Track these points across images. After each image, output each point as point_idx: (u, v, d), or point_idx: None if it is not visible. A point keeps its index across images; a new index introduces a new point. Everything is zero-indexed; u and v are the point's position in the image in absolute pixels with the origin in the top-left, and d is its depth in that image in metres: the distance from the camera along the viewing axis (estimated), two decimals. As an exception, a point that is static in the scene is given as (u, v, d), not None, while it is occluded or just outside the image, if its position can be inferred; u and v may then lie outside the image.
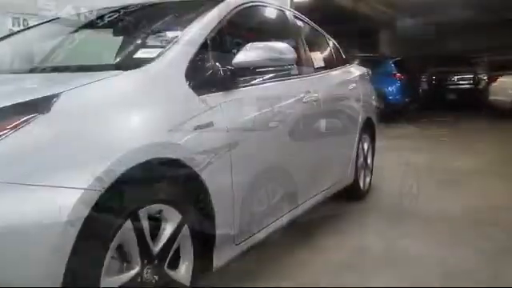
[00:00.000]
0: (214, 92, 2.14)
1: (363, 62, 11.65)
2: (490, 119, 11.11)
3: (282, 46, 2.31)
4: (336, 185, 3.67)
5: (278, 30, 3.16)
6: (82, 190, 1.41)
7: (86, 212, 1.42)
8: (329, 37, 4.14)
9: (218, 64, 2.21)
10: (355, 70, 4.38)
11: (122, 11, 2.78)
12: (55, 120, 1.49)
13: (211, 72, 2.16)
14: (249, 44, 2.26)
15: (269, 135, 2.48)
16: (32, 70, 2.32)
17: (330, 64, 3.82)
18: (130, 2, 2.92)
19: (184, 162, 1.85)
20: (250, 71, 2.33)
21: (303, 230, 3.44)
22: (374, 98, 4.78)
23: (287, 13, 3.29)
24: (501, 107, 11.43)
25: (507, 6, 13.67)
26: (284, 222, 2.78)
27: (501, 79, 11.80)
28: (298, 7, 10.16)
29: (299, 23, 3.40)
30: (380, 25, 15.11)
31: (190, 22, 2.30)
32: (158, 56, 1.99)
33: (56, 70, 2.26)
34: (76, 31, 2.84)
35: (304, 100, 2.94)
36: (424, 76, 14.37)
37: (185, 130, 1.88)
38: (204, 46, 2.19)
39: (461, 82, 14.40)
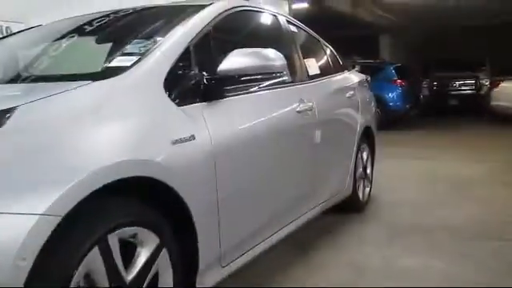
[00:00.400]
0: (196, 102, 1.98)
1: (363, 68, 11.64)
2: (493, 125, 10.94)
3: (270, 53, 2.14)
4: (334, 197, 3.50)
5: (269, 35, 3.00)
6: (37, 217, 1.24)
7: (40, 242, 1.24)
8: (325, 43, 3.99)
9: (201, 72, 2.05)
10: (353, 77, 4.22)
11: (106, 17, 2.62)
12: (8, 137, 1.33)
13: (194, 81, 2.00)
14: (235, 50, 2.10)
15: (258, 148, 2.31)
16: (7, 80, 2.15)
17: (326, 71, 3.66)
18: (120, 7, 2.78)
19: (160, 179, 1.68)
20: (237, 80, 2.16)
21: (298, 244, 3.27)
22: (373, 105, 4.62)
23: (280, 18, 3.13)
24: (503, 113, 11.27)
25: (508, 9, 13.53)
26: (276, 240, 2.61)
27: (503, 84, 11.64)
28: (296, 14, 10.04)
29: (293, 29, 3.24)
30: (380, 30, 14.97)
31: (172, 27, 2.14)
32: (133, 64, 1.83)
33: (27, 80, 2.10)
34: (58, 39, 2.68)
35: (298, 109, 2.78)
36: (425, 82, 14.19)
37: (161, 145, 1.71)
38: (186, 53, 2.03)
39: (462, 88, 14.27)
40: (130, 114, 1.68)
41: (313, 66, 3.32)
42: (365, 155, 4.25)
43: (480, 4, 13.04)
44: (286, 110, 2.67)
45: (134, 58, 1.87)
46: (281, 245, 2.77)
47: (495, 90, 11.89)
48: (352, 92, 3.89)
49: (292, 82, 2.89)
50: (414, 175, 5.83)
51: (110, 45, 2.27)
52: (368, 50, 14.15)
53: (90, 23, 2.50)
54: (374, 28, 14.55)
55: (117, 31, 2.47)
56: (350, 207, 4.03)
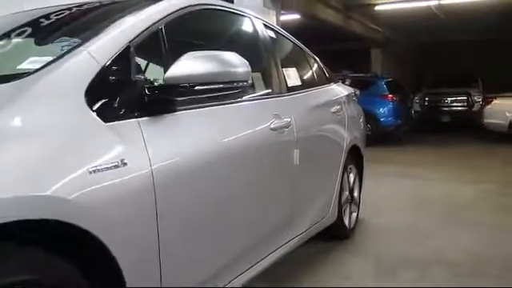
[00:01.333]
0: (133, 117, 1.55)
1: (354, 82, 11.37)
2: (486, 143, 10.58)
3: (231, 57, 1.72)
4: (316, 226, 3.07)
5: (239, 40, 2.60)
6: None
7: None
8: (309, 52, 3.58)
9: (142, 80, 1.63)
10: (340, 90, 3.82)
11: (55, 13, 2.19)
12: None
13: (131, 90, 1.58)
14: (187, 54, 1.68)
15: (217, 173, 1.88)
16: None
17: (308, 83, 3.27)
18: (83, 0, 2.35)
19: (71, 222, 1.25)
20: (191, 90, 1.73)
21: (272, 279, 2.83)
22: (362, 121, 4.22)
23: (256, 22, 2.72)
24: (496, 131, 10.94)
25: (500, 25, 13.30)
26: (243, 282, 2.17)
27: (496, 101, 11.32)
28: (286, 26, 9.69)
29: (270, 34, 2.84)
30: (372, 43, 14.68)
31: (109, 24, 1.72)
32: (43, 67, 1.40)
33: None
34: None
35: (272, 126, 2.36)
36: (417, 97, 13.86)
37: (73, 175, 1.28)
38: (124, 55, 1.60)
39: (454, 104, 13.93)
40: (31, 132, 1.25)
41: (293, 76, 2.91)
42: (352, 177, 3.83)
43: (471, 19, 12.78)
44: (256, 127, 2.25)
45: (48, 59, 1.44)
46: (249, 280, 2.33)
47: (488, 107, 11.56)
48: (338, 107, 3.48)
49: (266, 95, 2.48)
50: (404, 196, 5.42)
51: (35, 43, 1.84)
52: (359, 64, 13.83)
53: (37, 18, 2.07)
54: (366, 41, 14.24)
55: (53, 28, 2.04)
56: (334, 234, 3.61)
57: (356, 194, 3.95)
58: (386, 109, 10.91)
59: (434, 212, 4.68)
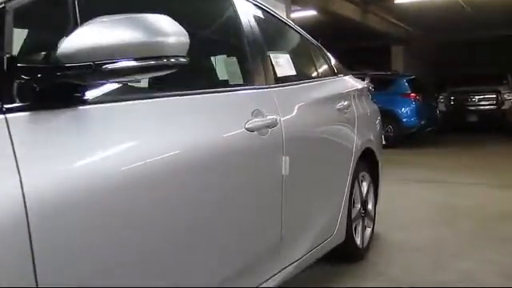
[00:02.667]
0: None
1: (373, 81, 10.71)
2: (519, 144, 9.81)
3: (159, 22, 1.14)
4: (316, 250, 2.48)
5: (196, 12, 2.01)
6: None
7: None
8: (311, 39, 3.00)
9: (24, 58, 1.08)
10: (349, 83, 3.22)
11: None
12: None
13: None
14: (93, 20, 1.12)
15: (151, 196, 1.32)
16: None
17: (306, 73, 2.70)
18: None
19: None
20: (106, 72, 1.15)
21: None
22: (377, 121, 3.61)
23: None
24: (530, 130, 10.17)
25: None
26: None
27: (528, 99, 10.55)
28: (299, 23, 9.10)
29: (254, 12, 2.25)
30: (392, 40, 13.96)
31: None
32: None
33: None
34: None
35: (248, 125, 1.79)
36: (441, 96, 13.10)
37: None
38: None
39: (482, 103, 13.15)
40: None
41: (285, 65, 2.33)
42: (365, 186, 3.23)
43: (500, 13, 11.97)
44: (222, 127, 1.68)
45: None
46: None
47: (520, 105, 10.81)
48: (345, 102, 2.88)
49: (241, 86, 1.91)
50: (428, 205, 4.78)
51: None
52: (379, 62, 13.16)
53: None
54: (387, 38, 13.54)
55: None
56: (343, 256, 3.02)
57: (370, 206, 3.34)
58: (408, 108, 10.30)
59: (464, 225, 4.03)
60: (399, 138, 9.94)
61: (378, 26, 12.29)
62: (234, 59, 2.00)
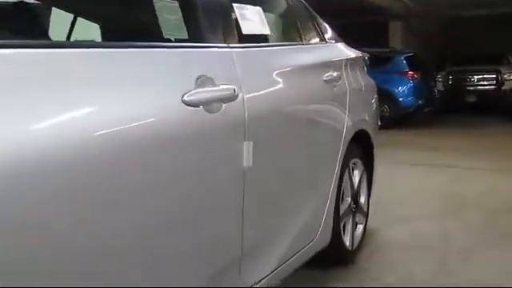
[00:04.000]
0: None
1: (370, 58, 10.16)
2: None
3: None
4: (294, 259, 1.95)
5: None
6: None
7: None
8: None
9: None
10: (341, 52, 2.67)
11: None
12: None
13: None
14: None
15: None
16: None
17: (285, 35, 2.13)
18: None
19: None
20: None
21: None
22: (374, 98, 3.07)
23: None
24: (532, 111, 9.66)
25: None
26: None
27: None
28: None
29: None
30: (390, 16, 13.32)
31: None
32: None
33: None
34: None
35: (186, 97, 1.24)
36: (439, 75, 12.54)
37: None
38: None
39: (481, 83, 12.66)
40: None
41: (254, 20, 1.76)
42: (357, 176, 2.70)
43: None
44: (145, 100, 1.13)
45: None
46: None
47: (522, 85, 10.29)
48: (335, 73, 2.33)
49: (186, 41, 1.36)
50: (431, 193, 4.26)
51: None
52: (377, 38, 12.51)
53: None
54: (385, 13, 12.88)
55: None
56: (330, 259, 2.50)
57: (363, 199, 2.81)
58: (405, 87, 9.76)
59: (472, 217, 3.52)
60: (395, 118, 9.41)
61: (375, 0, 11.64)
62: (177, 5, 1.44)
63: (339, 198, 2.41)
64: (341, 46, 2.76)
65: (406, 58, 10.12)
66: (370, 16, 12.90)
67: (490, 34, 14.68)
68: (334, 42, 2.69)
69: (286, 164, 1.79)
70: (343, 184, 2.45)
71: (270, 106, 1.63)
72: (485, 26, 14.93)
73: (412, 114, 9.87)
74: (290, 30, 2.29)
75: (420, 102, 9.87)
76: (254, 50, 1.68)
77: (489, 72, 12.55)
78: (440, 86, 12.27)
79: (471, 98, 12.38)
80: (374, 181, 2.98)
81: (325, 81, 2.19)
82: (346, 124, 2.36)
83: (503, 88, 12.31)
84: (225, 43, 1.52)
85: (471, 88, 12.54)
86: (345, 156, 2.39)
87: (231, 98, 1.40)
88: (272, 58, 1.81)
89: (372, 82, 3.15)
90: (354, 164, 2.65)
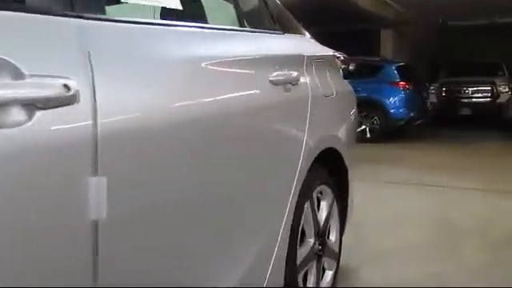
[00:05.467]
0: None
1: (359, 67, 9.60)
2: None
3: None
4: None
5: None
6: None
7: None
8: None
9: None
10: (302, 47, 2.05)
11: None
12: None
13: None
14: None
15: None
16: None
17: (209, 15, 1.50)
18: None
19: None
20: None
21: None
22: (351, 109, 2.48)
23: None
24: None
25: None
26: None
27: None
28: (286, 4, 7.86)
29: None
30: (382, 23, 12.80)
31: None
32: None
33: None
34: None
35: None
36: (433, 86, 12.01)
37: None
38: None
39: (476, 95, 12.21)
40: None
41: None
42: (324, 209, 2.08)
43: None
44: None
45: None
46: None
47: (516, 98, 9.82)
48: (290, 73, 1.71)
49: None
50: (417, 220, 3.66)
51: None
52: (367, 47, 12.00)
53: None
54: (376, 20, 12.35)
55: None
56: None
57: (334, 237, 2.19)
58: (396, 98, 9.23)
59: (466, 254, 2.91)
60: (385, 131, 8.96)
61: (366, 4, 11.10)
62: None
63: (295, 240, 1.79)
64: (305, 40, 2.15)
65: (397, 68, 9.61)
66: (360, 24, 12.38)
67: (484, 44, 14.24)
68: (296, 35, 2.09)
69: (193, 203, 1.17)
70: (302, 221, 1.83)
71: (149, 116, 1.01)
72: (480, 36, 14.50)
73: (403, 127, 9.39)
74: (221, 9, 1.67)
75: (412, 114, 9.37)
76: (117, 27, 1.05)
77: (484, 84, 12.15)
78: (433, 98, 11.77)
79: (465, 111, 11.95)
80: (349, 212, 2.37)
81: (272, 81, 1.57)
82: (306, 141, 1.75)
83: (498, 101, 11.92)
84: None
85: (465, 100, 12.12)
86: (304, 184, 1.78)
87: (72, 100, 0.78)
88: (169, 42, 1.19)
89: (349, 88, 2.55)
90: (319, 193, 2.03)
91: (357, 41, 12.09)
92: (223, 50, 1.39)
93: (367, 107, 8.79)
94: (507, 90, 11.89)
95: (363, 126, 8.91)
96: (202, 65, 1.25)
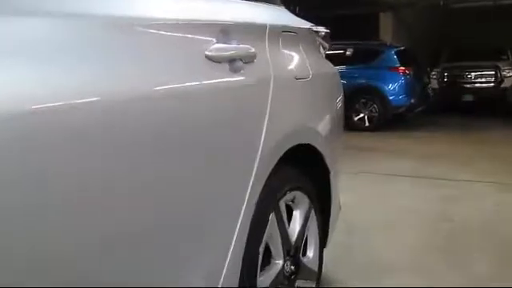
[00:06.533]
0: None
1: (356, 52, 9.18)
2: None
3: None
4: None
5: None
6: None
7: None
8: None
9: None
10: (261, 14, 1.61)
11: None
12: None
13: None
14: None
15: None
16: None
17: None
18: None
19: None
20: None
21: None
22: (334, 97, 2.06)
23: None
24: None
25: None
26: None
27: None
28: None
29: None
30: (381, 7, 12.33)
31: None
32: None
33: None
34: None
35: None
36: (434, 72, 11.57)
37: None
38: None
39: (479, 80, 11.80)
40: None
41: None
42: (297, 219, 1.66)
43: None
44: None
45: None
46: None
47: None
48: (242, 48, 1.28)
49: None
50: (418, 220, 3.24)
51: None
52: (366, 31, 11.55)
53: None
54: (374, 3, 11.88)
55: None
56: None
57: (312, 253, 1.77)
58: (396, 85, 8.82)
59: (475, 264, 2.50)
60: (384, 119, 8.57)
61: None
62: None
63: (256, 263, 1.38)
64: (274, 9, 1.72)
65: (396, 53, 9.18)
66: (359, 7, 11.91)
67: (488, 28, 13.78)
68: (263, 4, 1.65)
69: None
70: (264, 238, 1.42)
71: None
72: (483, 19, 14.04)
73: (403, 115, 8.96)
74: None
75: (412, 100, 8.92)
76: None
77: (487, 68, 11.74)
78: (434, 84, 11.31)
79: (468, 97, 11.54)
80: (332, 222, 1.95)
81: (209, 57, 1.14)
82: (265, 137, 1.32)
83: (502, 86, 11.50)
84: None
85: (468, 86, 11.72)
86: (265, 190, 1.36)
87: None
88: None
89: (333, 70, 2.12)
90: (291, 201, 1.62)
91: (355, 25, 11.66)
92: (129, 8, 0.97)
93: (365, 94, 8.60)
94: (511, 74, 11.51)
95: (361, 114, 8.64)
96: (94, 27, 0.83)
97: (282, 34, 1.60)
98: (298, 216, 1.66)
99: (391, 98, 8.70)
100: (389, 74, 8.83)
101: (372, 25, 12.56)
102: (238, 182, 1.25)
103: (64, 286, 0.79)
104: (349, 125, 8.62)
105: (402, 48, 9.57)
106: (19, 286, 0.74)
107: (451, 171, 4.69)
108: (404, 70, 8.87)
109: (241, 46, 1.28)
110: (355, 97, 8.47)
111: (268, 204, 1.41)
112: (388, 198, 3.75)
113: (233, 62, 1.21)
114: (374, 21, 12.69)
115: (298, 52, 1.71)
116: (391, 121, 8.52)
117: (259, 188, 1.33)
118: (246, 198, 1.28)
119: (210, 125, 1.13)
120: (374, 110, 8.70)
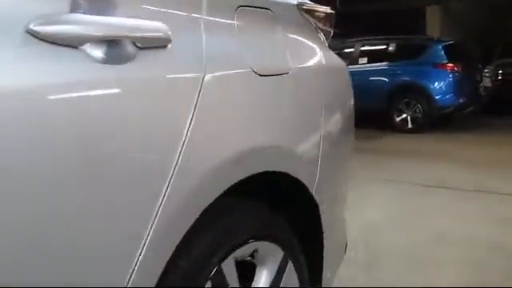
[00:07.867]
0: None
1: (399, 47, 8.62)
2: None
3: None
4: None
5: None
6: None
7: None
8: None
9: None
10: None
11: None
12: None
13: None
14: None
15: None
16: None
17: None
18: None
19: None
20: None
21: None
22: (339, 98, 1.55)
23: None
24: None
25: None
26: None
27: None
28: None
29: None
30: (427, 0, 11.71)
31: None
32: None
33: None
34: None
35: None
36: (487, 69, 10.88)
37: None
38: None
39: (537, 79, 11.05)
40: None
41: None
42: (262, 280, 1.13)
43: None
44: None
45: None
46: None
47: None
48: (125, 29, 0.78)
49: None
50: (467, 251, 2.62)
51: None
52: (412, 26, 10.99)
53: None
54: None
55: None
56: None
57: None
58: (443, 83, 8.21)
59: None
60: (430, 120, 8.02)
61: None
62: None
63: None
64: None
65: (444, 47, 8.52)
66: (403, 1, 11.29)
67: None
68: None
69: None
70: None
71: None
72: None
73: (451, 116, 8.47)
74: None
75: (461, 100, 8.32)
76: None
77: (547, 65, 10.94)
78: (487, 82, 10.64)
79: (525, 97, 10.73)
80: (330, 267, 1.40)
81: (30, 32, 0.64)
82: (179, 164, 0.81)
83: None
84: None
85: (525, 85, 10.90)
86: (189, 248, 0.85)
87: None
88: None
89: (337, 64, 1.59)
90: (250, 256, 1.09)
91: (401, 20, 11.11)
92: None
93: (409, 93, 8.13)
94: None
95: (404, 115, 8.16)
96: None
97: (238, 9, 1.08)
98: (263, 276, 1.13)
99: (437, 97, 8.10)
100: (435, 71, 8.23)
101: (418, 20, 11.96)
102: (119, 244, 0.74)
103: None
104: (390, 126, 8.13)
105: (451, 42, 8.89)
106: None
107: (508, 184, 4.00)
108: (452, 66, 8.22)
109: (131, 19, 0.77)
110: (397, 96, 8.08)
111: (195, 270, 0.90)
112: (424, 216, 3.15)
113: (100, 46, 0.70)
114: (420, 15, 12.08)
115: (269, 37, 1.19)
116: (437, 122, 7.93)
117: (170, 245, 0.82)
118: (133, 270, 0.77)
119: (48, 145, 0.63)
120: (418, 110, 8.19)
